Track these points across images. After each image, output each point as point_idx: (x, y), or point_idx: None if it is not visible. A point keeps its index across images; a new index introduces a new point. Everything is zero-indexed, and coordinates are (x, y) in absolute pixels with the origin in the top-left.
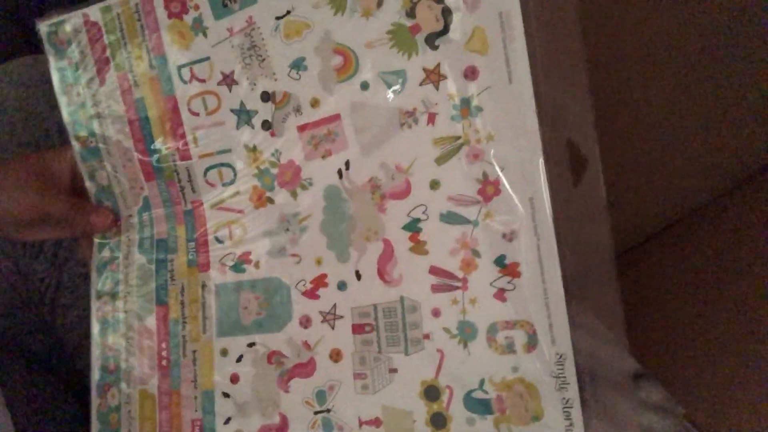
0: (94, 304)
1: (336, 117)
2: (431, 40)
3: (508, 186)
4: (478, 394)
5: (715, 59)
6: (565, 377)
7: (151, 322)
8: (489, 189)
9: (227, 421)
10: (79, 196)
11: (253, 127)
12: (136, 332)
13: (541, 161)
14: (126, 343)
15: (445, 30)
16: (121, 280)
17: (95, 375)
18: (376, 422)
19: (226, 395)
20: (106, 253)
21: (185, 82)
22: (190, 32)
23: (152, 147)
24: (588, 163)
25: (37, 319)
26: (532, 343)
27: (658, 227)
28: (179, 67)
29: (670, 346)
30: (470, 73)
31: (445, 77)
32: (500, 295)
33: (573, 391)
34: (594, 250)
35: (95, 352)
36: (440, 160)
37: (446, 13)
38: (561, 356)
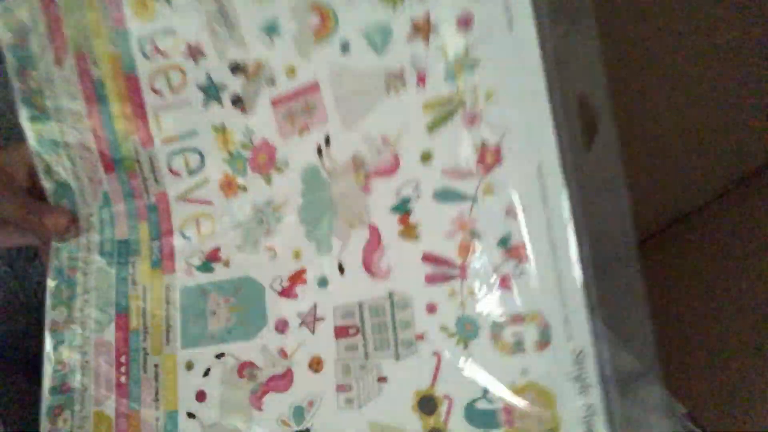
0: (49, 315)
1: (314, 86)
2: None
3: (511, 152)
4: (482, 405)
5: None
6: (585, 379)
7: (110, 333)
8: (489, 157)
9: None
10: (38, 197)
11: (221, 104)
12: (93, 345)
13: (550, 121)
14: (81, 359)
15: None
16: (78, 286)
17: (45, 398)
18: None
19: (191, 416)
20: (63, 258)
21: (147, 57)
22: (152, 1)
23: (111, 133)
24: (600, 120)
25: (35, 323)
26: (544, 340)
27: (659, 226)
28: (141, 40)
29: (670, 345)
30: (464, 22)
31: (435, 29)
32: (505, 282)
33: (595, 396)
34: (612, 226)
35: (47, 370)
36: (432, 127)
37: None
38: (579, 353)
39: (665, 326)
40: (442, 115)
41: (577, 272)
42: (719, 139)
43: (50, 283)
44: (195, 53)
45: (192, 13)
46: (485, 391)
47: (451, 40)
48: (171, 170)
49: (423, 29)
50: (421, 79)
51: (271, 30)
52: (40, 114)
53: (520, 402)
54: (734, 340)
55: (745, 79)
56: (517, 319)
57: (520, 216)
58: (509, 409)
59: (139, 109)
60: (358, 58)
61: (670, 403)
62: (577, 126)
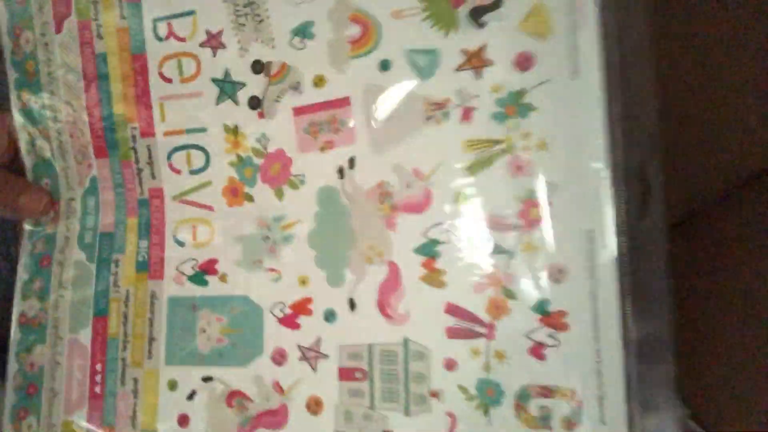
0: (18, 306)
1: (344, 101)
2: (477, 15)
3: (560, 210)
4: None
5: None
6: None
7: (86, 336)
8: (533, 212)
9: None
10: (19, 173)
11: (237, 103)
12: (66, 347)
13: (608, 183)
14: (52, 360)
15: (497, 4)
16: (53, 278)
17: (9, 397)
18: None
19: None
20: (38, 245)
21: (160, 39)
22: None
23: (109, 115)
24: (652, 190)
25: None
26: (574, 420)
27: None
28: (155, 21)
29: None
30: (523, 61)
31: (490, 63)
32: (538, 351)
33: None
34: (655, 303)
35: (12, 368)
36: (472, 168)
37: None
38: None
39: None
40: (486, 157)
41: (619, 351)
42: (719, 142)
43: (21, 275)
44: (215, 43)
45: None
46: None
47: (506, 79)
48: (171, 166)
49: (476, 62)
50: (467, 115)
51: (303, 33)
52: (30, 81)
53: None
54: (735, 340)
55: (748, 81)
56: (546, 392)
57: (564, 281)
58: None
59: (143, 95)
60: (399, 79)
61: (672, 402)
62: (635, 194)
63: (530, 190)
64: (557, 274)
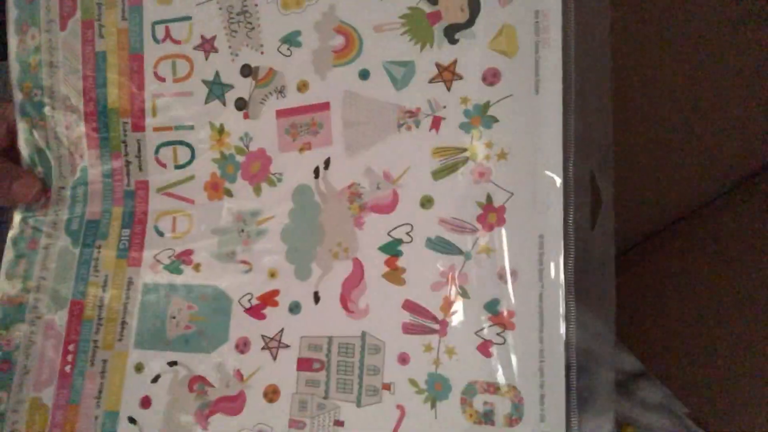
0: (1, 285)
1: (325, 106)
2: (451, 33)
3: (515, 216)
4: None
5: (717, 54)
6: None
7: (62, 317)
8: (491, 217)
9: None
10: (14, 160)
11: (224, 104)
12: (42, 327)
13: (561, 193)
14: (27, 339)
15: (470, 23)
16: (36, 263)
17: None
18: None
19: (132, 421)
20: (27, 229)
21: (157, 41)
22: None
23: (103, 109)
24: (603, 203)
25: None
26: (516, 416)
27: (658, 225)
28: (154, 23)
29: (671, 344)
30: (490, 77)
31: (460, 77)
32: (485, 348)
33: None
34: (599, 308)
35: None
36: (438, 174)
37: (474, 3)
38: None
39: (666, 326)
40: (451, 163)
41: (561, 352)
42: (719, 141)
43: (7, 255)
44: (208, 47)
45: (213, 6)
46: None
47: (473, 92)
48: (157, 160)
49: (447, 75)
50: (436, 124)
51: (291, 41)
52: (33, 74)
53: None
54: (735, 340)
55: (747, 82)
56: (491, 388)
57: (514, 283)
58: None
59: (138, 91)
60: (376, 88)
61: (672, 401)
62: (586, 203)
63: (489, 196)
64: (509, 276)
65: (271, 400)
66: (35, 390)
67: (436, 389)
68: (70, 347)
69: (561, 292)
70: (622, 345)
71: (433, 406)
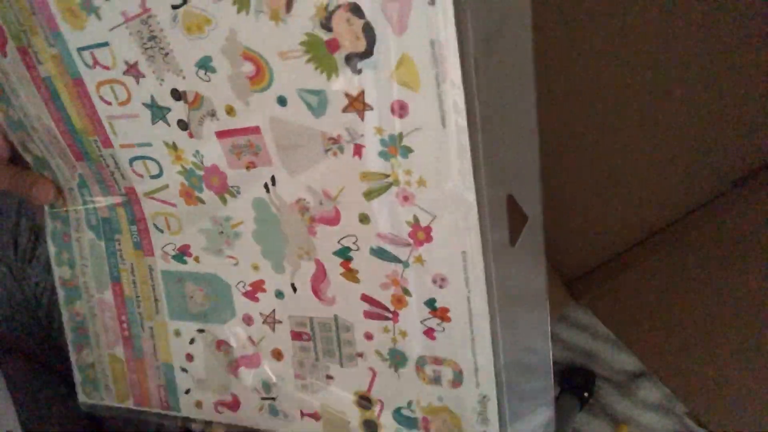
0: (56, 272)
1: (256, 129)
2: (353, 62)
3: (440, 235)
4: (407, 412)
5: (711, 56)
6: (486, 415)
7: (109, 296)
8: (420, 234)
9: (187, 391)
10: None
11: (169, 125)
12: (97, 303)
13: (475, 217)
14: (89, 312)
15: (369, 52)
16: (75, 252)
17: (68, 334)
18: (316, 416)
19: (184, 370)
20: (57, 224)
21: (89, 67)
22: (81, 11)
23: (71, 129)
24: (528, 220)
25: (35, 322)
26: (457, 381)
27: (658, 226)
28: (79, 50)
29: (671, 344)
30: (398, 109)
31: (370, 108)
32: (430, 333)
33: (493, 429)
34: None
35: (65, 316)
36: (369, 196)
37: (369, 30)
38: (484, 397)
39: (666, 326)
40: (379, 187)
41: (488, 339)
42: (715, 142)
43: (51, 248)
44: (135, 72)
45: (124, 32)
46: (409, 403)
47: (385, 123)
48: (134, 171)
49: (357, 105)
50: (358, 151)
51: (206, 66)
52: (4, 97)
53: (435, 418)
54: (735, 340)
55: (743, 84)
56: (437, 360)
57: (446, 287)
58: (427, 420)
59: (93, 114)
60: (296, 114)
61: (671, 401)
62: (504, 223)
63: (416, 217)
64: (441, 281)
65: (278, 359)
66: (108, 348)
67: (396, 359)
68: (123, 317)
69: (485, 295)
70: (622, 345)
71: (396, 370)
